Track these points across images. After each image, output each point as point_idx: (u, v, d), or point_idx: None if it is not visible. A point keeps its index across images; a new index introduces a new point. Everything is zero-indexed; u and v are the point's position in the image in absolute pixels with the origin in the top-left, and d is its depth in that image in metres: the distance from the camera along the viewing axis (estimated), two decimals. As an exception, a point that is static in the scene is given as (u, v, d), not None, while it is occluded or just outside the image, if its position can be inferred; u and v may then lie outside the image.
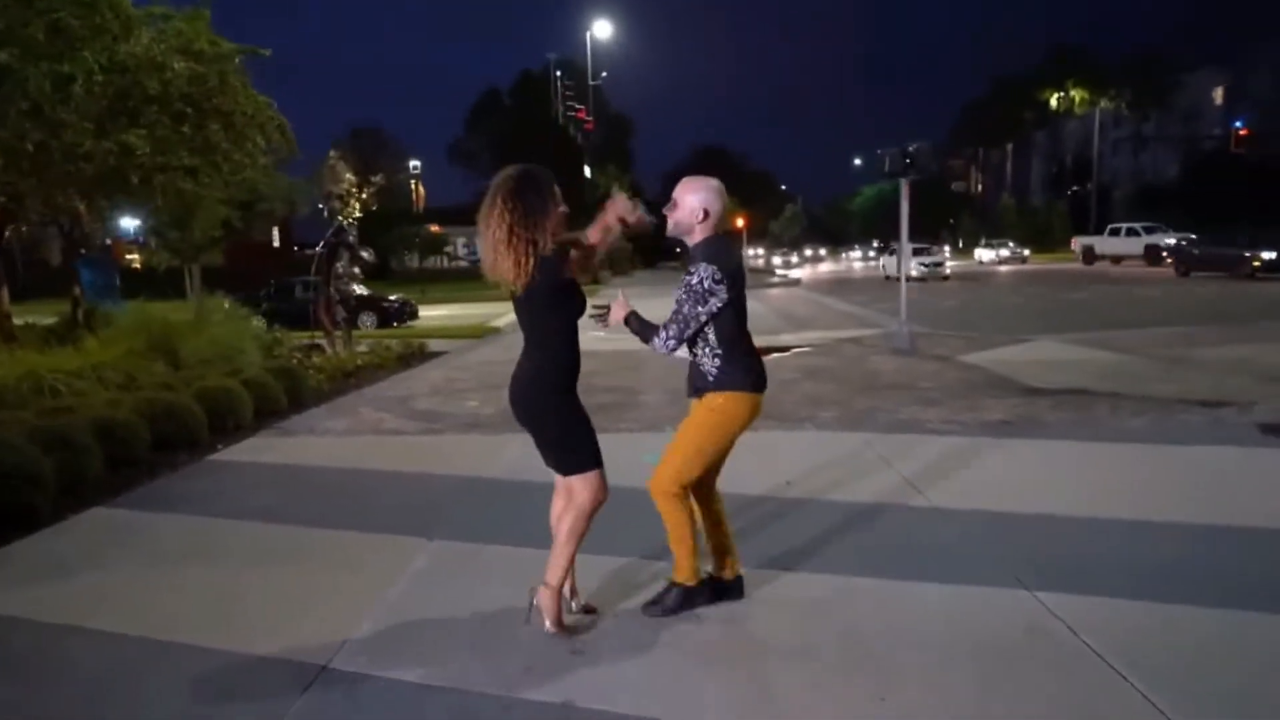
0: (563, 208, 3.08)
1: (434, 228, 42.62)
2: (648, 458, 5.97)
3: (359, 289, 19.48)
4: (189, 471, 5.96)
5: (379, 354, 11.01)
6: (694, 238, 3.21)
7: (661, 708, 2.70)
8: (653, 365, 10.70)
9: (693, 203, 3.18)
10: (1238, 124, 43.03)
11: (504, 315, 20.49)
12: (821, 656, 3.00)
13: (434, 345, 13.04)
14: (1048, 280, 28.46)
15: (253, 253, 28.24)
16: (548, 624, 3.18)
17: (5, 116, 6.96)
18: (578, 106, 32.70)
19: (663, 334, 3.16)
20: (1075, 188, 60.70)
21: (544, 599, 3.20)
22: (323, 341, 11.21)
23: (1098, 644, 2.99)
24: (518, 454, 6.12)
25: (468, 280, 32.55)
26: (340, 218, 32.28)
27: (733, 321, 3.17)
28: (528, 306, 3.07)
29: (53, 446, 5.14)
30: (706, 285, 3.07)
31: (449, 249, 45.84)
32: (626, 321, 3.24)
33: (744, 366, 3.19)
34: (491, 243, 3.01)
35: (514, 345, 12.20)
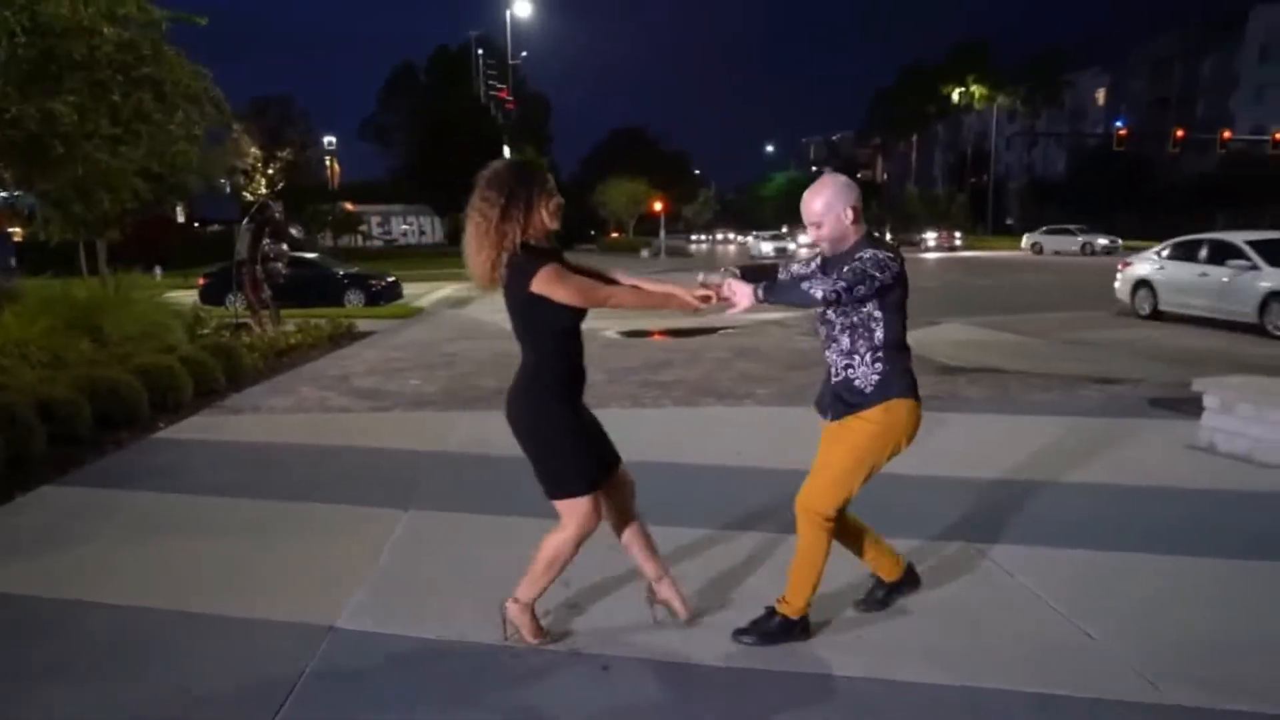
0: (556, 199, 2.81)
1: (348, 205, 41.47)
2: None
3: (343, 269, 18.85)
4: (136, 449, 5.88)
5: (309, 333, 10.86)
6: (849, 243, 2.82)
7: (660, 649, 2.96)
8: (588, 345, 10.90)
9: (834, 207, 2.78)
10: (1119, 124, 45.87)
11: (428, 294, 20.29)
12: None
13: (362, 325, 12.90)
14: (963, 267, 29.85)
15: (154, 228, 26.94)
16: (526, 637, 2.99)
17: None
18: (500, 86, 32.29)
19: (832, 279, 2.67)
20: (974, 179, 63.58)
21: (514, 614, 3.00)
22: (249, 320, 10.98)
23: (1033, 584, 3.41)
24: (470, 428, 6.28)
25: (384, 260, 31.90)
26: (247, 193, 31.10)
27: (901, 322, 2.83)
28: (507, 308, 2.81)
29: (-1, 424, 5.02)
30: (881, 258, 2.70)
31: (363, 227, 44.66)
32: (759, 297, 2.72)
33: (907, 372, 2.86)
34: (466, 236, 2.83)
35: (442, 325, 12.50)
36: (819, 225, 2.81)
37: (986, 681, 2.73)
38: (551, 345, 2.80)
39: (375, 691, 2.76)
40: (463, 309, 17.31)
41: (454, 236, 48.37)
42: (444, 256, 38.23)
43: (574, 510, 2.83)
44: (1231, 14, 57.00)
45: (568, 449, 2.81)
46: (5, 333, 7.65)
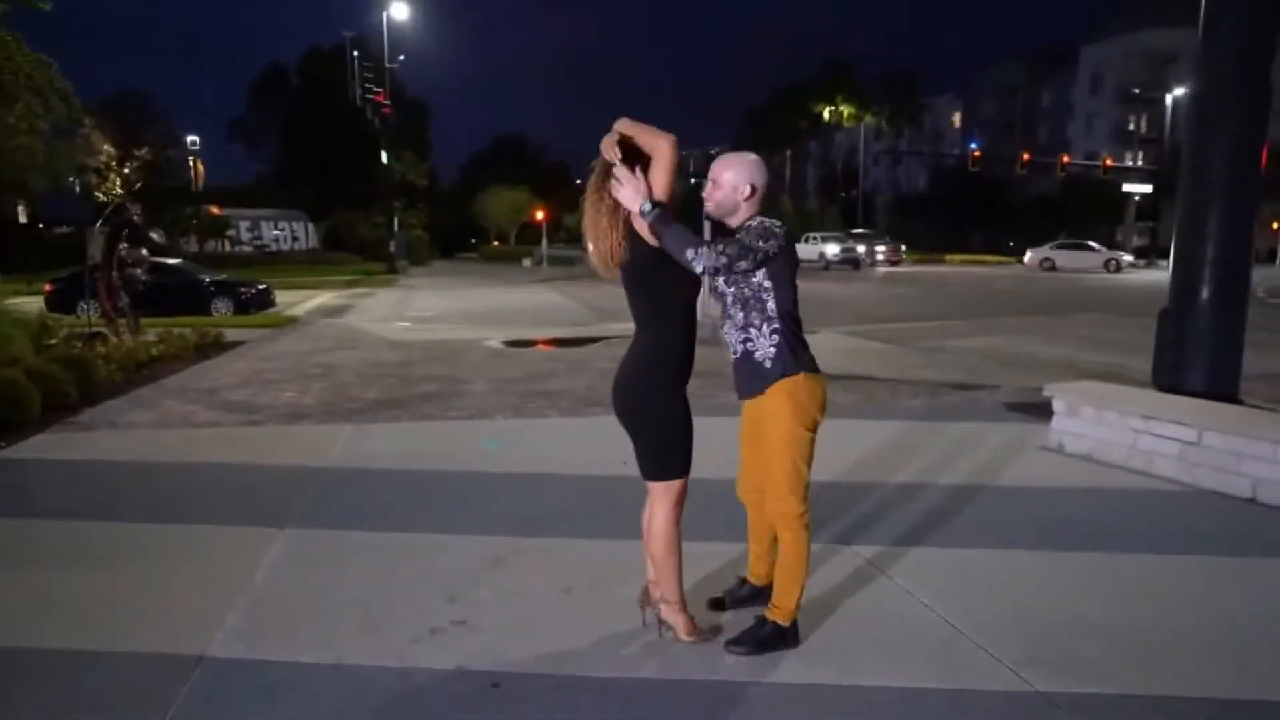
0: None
1: (214, 209, 39.22)
2: (488, 444, 6.19)
3: (209, 275, 17.70)
4: (-29, 472, 5.38)
5: (172, 343, 10.22)
6: (738, 218, 2.88)
7: (553, 664, 2.95)
8: (471, 355, 10.75)
9: (734, 179, 2.84)
10: (973, 145, 49.09)
11: (302, 303, 19.47)
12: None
13: (231, 335, 12.24)
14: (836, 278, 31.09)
15: (-9, 229, 24.69)
16: (682, 636, 3.00)
17: None
18: (376, 89, 31.39)
19: (717, 248, 2.66)
20: (844, 193, 66.46)
21: (670, 615, 3.01)
22: (105, 330, 10.24)
23: (906, 583, 3.60)
24: (350, 441, 6.07)
25: (254, 267, 30.41)
26: (100, 194, 28.97)
27: (791, 297, 2.86)
28: (631, 285, 2.84)
29: None
30: (767, 224, 2.76)
31: (231, 232, 42.35)
32: (645, 215, 2.68)
33: (802, 344, 2.90)
34: (592, 220, 2.82)
35: (318, 334, 12.12)
36: (718, 188, 2.88)
37: (861, 679, 2.86)
38: (677, 320, 2.85)
39: (252, 722, 2.63)
40: (339, 318, 16.72)
41: (330, 242, 46.71)
42: (319, 264, 36.84)
43: (670, 490, 2.90)
44: (1065, 48, 62.35)
45: (680, 434, 2.88)
46: None
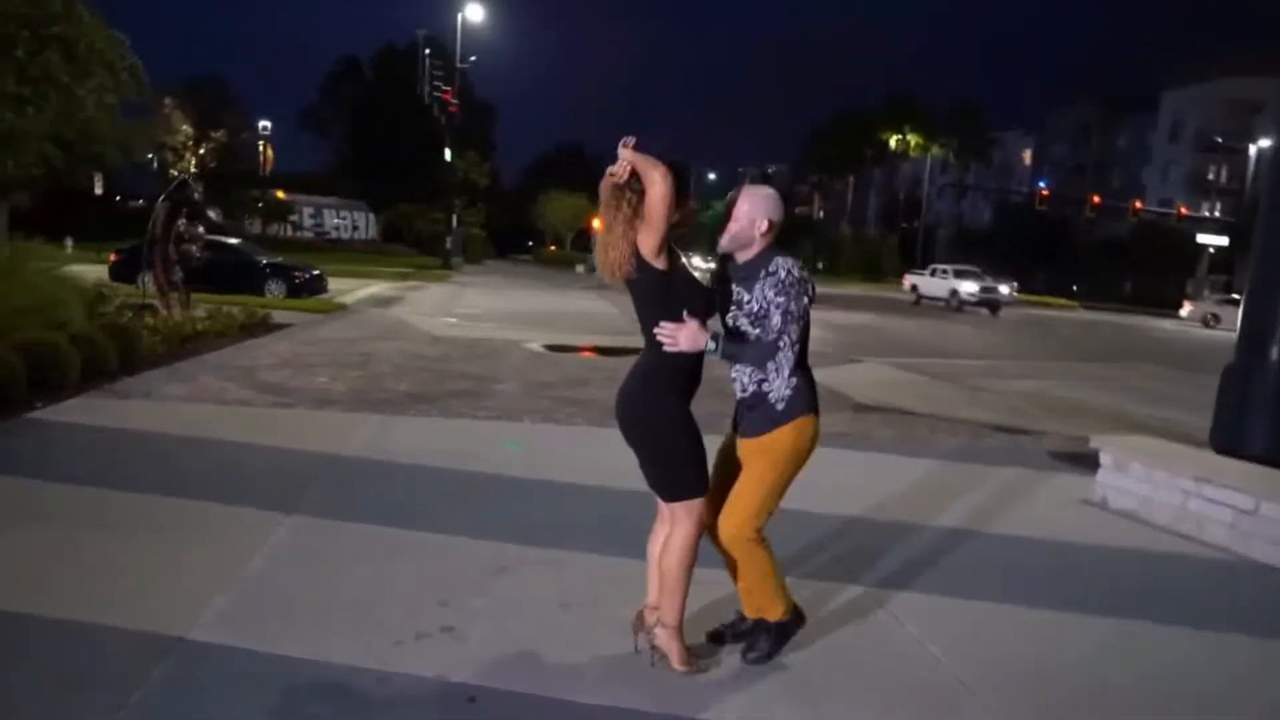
0: (692, 203, 2.86)
1: (280, 193, 40.22)
2: (508, 445, 6.11)
3: (266, 257, 18.10)
4: (4, 428, 5.47)
5: (220, 321, 10.40)
6: (752, 252, 2.84)
7: (536, 683, 2.83)
8: (511, 355, 10.73)
9: (751, 212, 2.81)
10: (1041, 184, 47.99)
11: (354, 291, 19.77)
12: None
13: (279, 317, 12.44)
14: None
15: (68, 198, 25.62)
16: (676, 665, 2.87)
17: None
18: (445, 88, 31.88)
19: (784, 341, 2.73)
20: (906, 224, 65.53)
21: (664, 641, 2.89)
22: (156, 302, 10.45)
23: (918, 632, 3.40)
24: (374, 432, 6.04)
25: (313, 253, 31.04)
26: (175, 171, 29.91)
27: (805, 335, 2.83)
28: (637, 299, 2.82)
29: None
30: (796, 274, 2.73)
31: (294, 217, 43.36)
32: (712, 351, 2.73)
33: (810, 387, 2.88)
34: (605, 229, 2.78)
35: (364, 323, 12.13)
36: (735, 221, 2.83)
37: (859, 730, 2.68)
38: None
39: (216, 713, 2.56)
40: (387, 308, 16.91)
41: (388, 234, 47.53)
42: (376, 254, 37.50)
43: (691, 511, 2.81)
44: (1145, 92, 60.80)
45: (690, 449, 2.80)
46: (-128, 294, 7.09)
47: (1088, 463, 5.90)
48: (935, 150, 63.03)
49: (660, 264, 2.70)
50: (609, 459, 5.84)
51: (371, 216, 49.08)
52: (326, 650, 2.93)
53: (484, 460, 5.54)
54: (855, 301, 29.31)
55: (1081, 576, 4.24)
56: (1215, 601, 4.05)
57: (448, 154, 35.10)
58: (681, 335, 2.68)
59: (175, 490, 4.47)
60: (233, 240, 19.02)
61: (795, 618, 3.03)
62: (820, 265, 52.72)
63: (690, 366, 2.78)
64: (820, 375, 10.87)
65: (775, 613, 2.98)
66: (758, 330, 2.80)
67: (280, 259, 18.91)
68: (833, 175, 71.46)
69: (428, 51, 31.42)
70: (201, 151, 36.02)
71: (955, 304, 30.05)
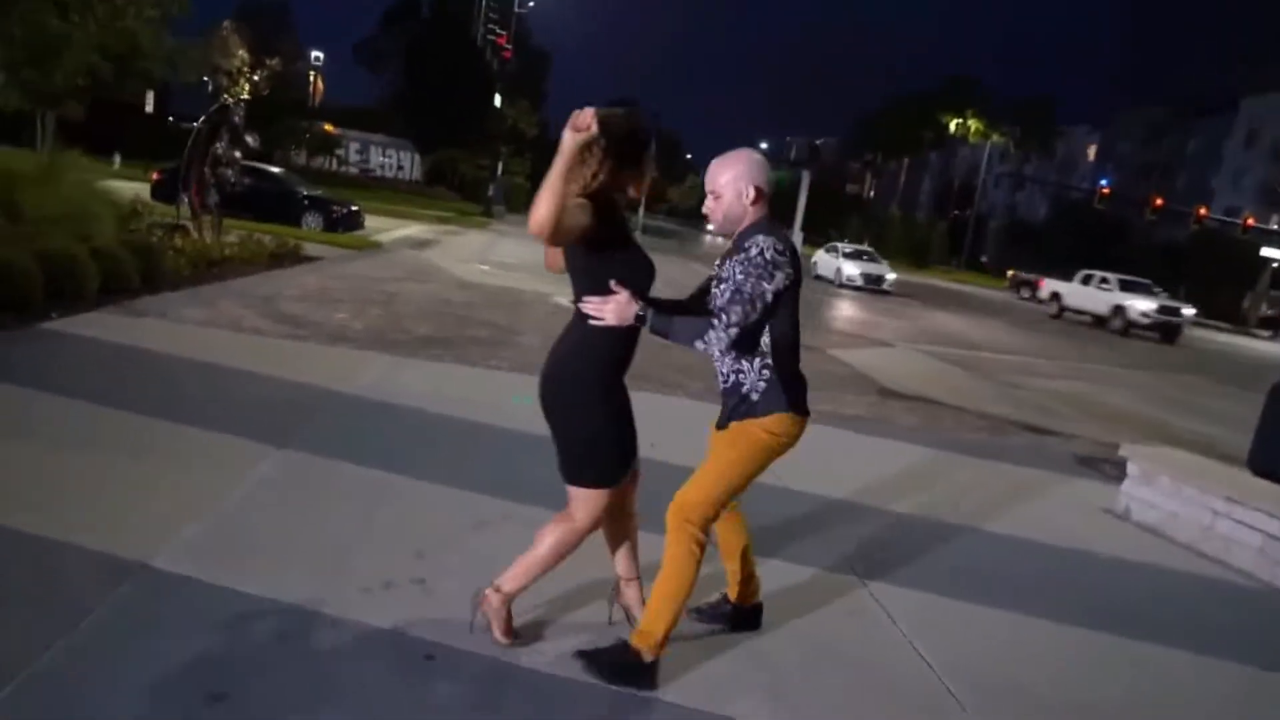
0: (651, 170, 2.63)
1: (328, 126, 40.26)
2: (516, 399, 5.98)
3: (306, 189, 18.09)
4: (15, 337, 5.47)
5: (249, 248, 10.38)
6: (744, 223, 2.56)
7: (499, 647, 2.71)
8: (536, 308, 10.60)
9: (735, 180, 2.53)
10: (1104, 182, 46.36)
11: (390, 230, 19.74)
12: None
13: (311, 250, 12.42)
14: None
15: (119, 114, 25.83)
16: (496, 634, 2.66)
17: None
18: (499, 31, 31.45)
19: (721, 320, 2.39)
20: (957, 211, 63.98)
21: (492, 605, 2.65)
22: (189, 224, 10.45)
23: (909, 631, 3.23)
24: (382, 372, 5.95)
25: (356, 189, 31.08)
26: (227, 95, 29.96)
27: (791, 322, 2.55)
28: (569, 264, 2.54)
29: None
30: (769, 255, 2.40)
31: (340, 151, 43.44)
32: (642, 319, 2.41)
33: (794, 384, 2.59)
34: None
35: (395, 263, 11.98)
36: (718, 196, 2.57)
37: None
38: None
39: (162, 645, 2.47)
40: (421, 250, 16.86)
41: (432, 176, 47.35)
42: (418, 195, 37.44)
43: (591, 501, 2.56)
44: (1223, 98, 58.24)
45: (607, 435, 2.56)
46: (-96, 192, 7.13)
47: (1114, 471, 5.64)
48: (996, 138, 61.22)
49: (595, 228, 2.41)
50: (649, 426, 5.71)
51: (417, 157, 48.93)
52: (289, 590, 2.84)
53: (487, 411, 5.42)
54: (938, 297, 28.34)
55: (1090, 588, 4.04)
56: (1231, 629, 3.82)
57: (497, 100, 34.78)
58: (608, 308, 2.39)
59: (170, 414, 4.41)
60: (274, 169, 19.04)
61: (652, 668, 2.58)
62: (865, 243, 51.87)
63: (620, 342, 2.50)
64: (850, 357, 10.67)
65: (652, 639, 2.55)
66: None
67: (320, 192, 18.91)
68: (887, 156, 69.88)
69: (485, -6, 30.97)
70: (256, 77, 36.03)
71: (1120, 325, 22.97)
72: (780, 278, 2.42)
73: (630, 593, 2.89)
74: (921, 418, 7.44)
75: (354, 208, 18.04)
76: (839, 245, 28.19)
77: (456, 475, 4.15)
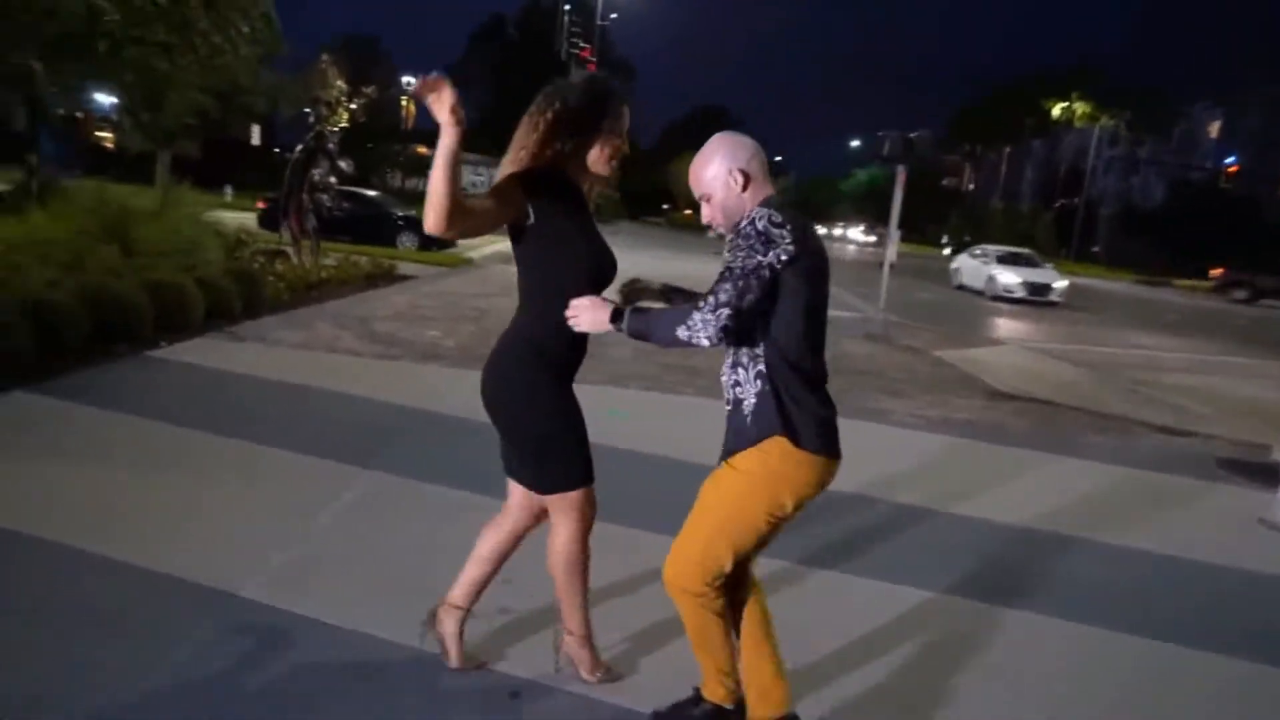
0: (617, 143, 2.28)
1: (421, 149, 41.53)
2: (611, 413, 5.85)
3: (400, 210, 18.78)
4: (126, 365, 5.67)
5: (345, 270, 10.66)
6: (745, 214, 2.09)
7: (585, 688, 2.55)
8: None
9: (718, 173, 2.10)
10: (1230, 160, 43.30)
11: (482, 246, 20.08)
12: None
13: (405, 269, 12.68)
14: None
15: (230, 149, 27.27)
16: (584, 675, 2.52)
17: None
18: (582, 45, 31.82)
19: (709, 301, 1.92)
20: (1064, 200, 60.95)
21: (573, 649, 2.52)
22: (289, 249, 10.81)
23: (1039, 663, 2.90)
24: (473, 390, 5.90)
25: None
26: (324, 124, 31.32)
27: (798, 315, 2.00)
28: (516, 250, 2.27)
29: (-24, 321, 4.82)
30: (760, 225, 1.95)
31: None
32: (619, 324, 2.06)
33: (804, 403, 2.03)
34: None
35: (486, 278, 11.97)
36: (709, 197, 2.13)
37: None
38: (542, 296, 2.22)
39: (246, 679, 2.40)
40: (513, 264, 17.03)
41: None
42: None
43: (572, 506, 2.35)
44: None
45: (565, 433, 2.31)
46: (30, 229, 7.56)
47: (1266, 475, 5.08)
48: (1105, 120, 58.12)
49: (528, 210, 2.15)
50: (704, 433, 5.51)
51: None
52: (374, 621, 2.75)
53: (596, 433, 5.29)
54: (1109, 304, 26.94)
55: (1238, 610, 3.58)
56: None
57: (584, 114, 35.10)
58: (583, 314, 2.09)
59: (264, 437, 4.45)
60: (370, 192, 19.67)
61: (738, 709, 2.25)
62: (966, 238, 49.89)
63: (569, 335, 2.21)
64: (953, 357, 10.06)
65: (710, 690, 2.27)
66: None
67: (414, 212, 19.40)
68: (986, 146, 67.29)
69: (567, 7, 31.39)
70: (353, 106, 37.56)
71: None
72: (780, 250, 1.93)
73: (448, 622, 2.55)
74: (1036, 421, 6.93)
75: None
76: (987, 248, 23.84)
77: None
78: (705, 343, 1.91)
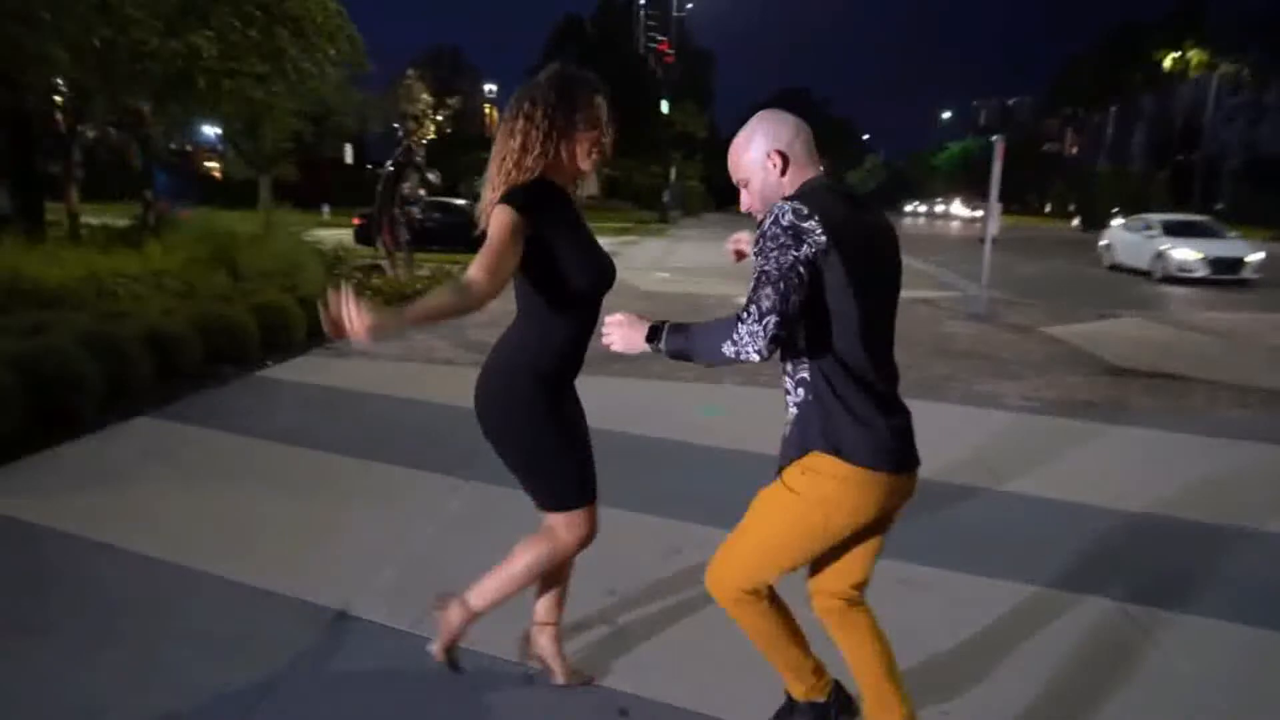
0: (595, 133, 2.18)
1: (507, 154, 42.33)
2: (707, 411, 5.75)
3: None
4: (236, 386, 5.91)
5: (439, 279, 10.88)
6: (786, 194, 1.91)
7: (699, 697, 2.46)
8: (719, 312, 10.34)
9: (757, 158, 1.93)
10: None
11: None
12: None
13: (495, 274, 12.85)
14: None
15: (325, 168, 28.38)
16: (434, 646, 2.41)
17: (73, 11, 6.86)
18: (660, 38, 31.71)
19: (751, 312, 1.70)
20: (1180, 156, 57.17)
21: (451, 619, 2.39)
22: (384, 262, 11.12)
23: (1195, 669, 2.64)
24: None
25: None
26: (412, 138, 32.29)
27: (845, 311, 1.78)
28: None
29: (102, 352, 5.08)
30: (785, 221, 1.74)
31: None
32: (656, 344, 1.88)
33: (859, 411, 1.82)
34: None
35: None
36: (747, 183, 1.96)
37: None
38: (569, 314, 2.15)
39: (356, 699, 2.41)
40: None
41: (608, 189, 48.54)
42: (596, 210, 38.47)
43: (571, 523, 2.25)
44: None
45: (561, 450, 2.22)
46: (147, 261, 7.99)
47: None
48: (1225, 68, 54.17)
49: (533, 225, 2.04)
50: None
51: (593, 174, 50.47)
52: (478, 638, 2.71)
53: (678, 426, 5.21)
54: None
55: None
56: None
57: (664, 106, 35.05)
58: (616, 332, 1.94)
59: (366, 451, 4.54)
60: (458, 201, 20.06)
61: (834, 700, 2.16)
62: (1071, 207, 47.28)
63: (567, 346, 2.16)
64: (1066, 333, 9.48)
65: (798, 689, 2.16)
66: None
67: None
68: (1089, 107, 63.83)
69: (643, 1, 31.33)
70: (439, 118, 38.58)
71: None
72: (810, 243, 1.73)
73: (543, 640, 2.50)
74: (1165, 398, 6.45)
75: None
76: (1149, 218, 19.17)
77: (646, 499, 3.94)
78: (755, 357, 1.71)
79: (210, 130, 19.87)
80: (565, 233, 2.12)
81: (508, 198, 2.04)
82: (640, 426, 5.10)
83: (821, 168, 1.93)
